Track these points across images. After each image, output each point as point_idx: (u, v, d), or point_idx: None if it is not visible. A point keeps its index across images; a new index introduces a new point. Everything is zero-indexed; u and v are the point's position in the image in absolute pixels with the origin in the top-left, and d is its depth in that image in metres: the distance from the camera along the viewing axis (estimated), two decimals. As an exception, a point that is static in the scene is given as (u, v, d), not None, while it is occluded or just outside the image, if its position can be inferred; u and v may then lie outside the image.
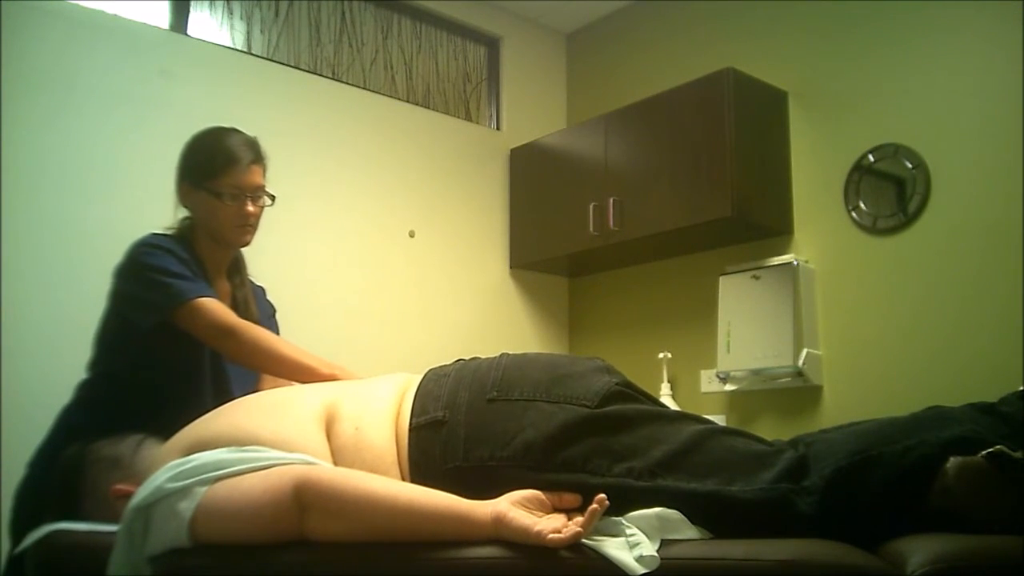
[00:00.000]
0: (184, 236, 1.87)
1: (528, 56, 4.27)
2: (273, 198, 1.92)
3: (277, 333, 2.04)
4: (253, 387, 1.89)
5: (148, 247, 1.78)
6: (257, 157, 1.89)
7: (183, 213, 1.90)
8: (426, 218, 3.73)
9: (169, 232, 1.87)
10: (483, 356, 1.39)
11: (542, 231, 3.87)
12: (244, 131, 1.93)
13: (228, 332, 1.70)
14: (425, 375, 1.36)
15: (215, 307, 1.72)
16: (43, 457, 1.77)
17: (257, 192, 1.87)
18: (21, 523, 1.61)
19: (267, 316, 2.04)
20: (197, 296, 1.71)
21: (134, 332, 1.76)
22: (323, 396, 1.33)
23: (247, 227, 1.87)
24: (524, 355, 1.35)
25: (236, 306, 1.90)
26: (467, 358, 1.39)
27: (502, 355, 1.35)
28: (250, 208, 1.85)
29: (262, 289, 2.08)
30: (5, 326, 2.58)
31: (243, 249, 1.98)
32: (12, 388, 2.50)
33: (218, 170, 1.82)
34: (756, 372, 3.19)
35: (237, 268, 1.96)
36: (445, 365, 1.38)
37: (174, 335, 1.73)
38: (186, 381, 1.80)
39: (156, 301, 1.72)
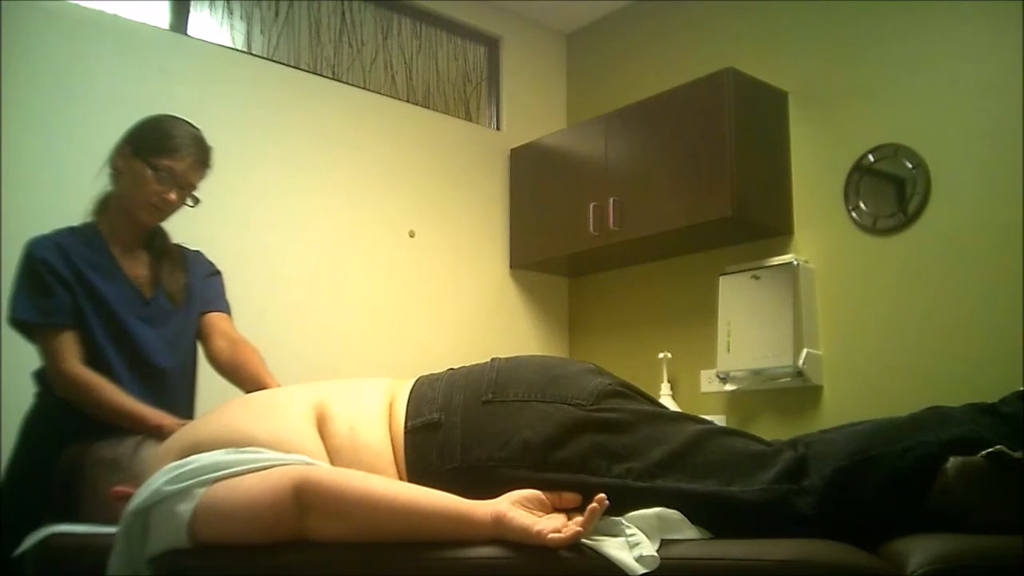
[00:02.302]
0: (94, 214, 1.93)
1: (528, 56, 4.27)
2: (197, 201, 1.94)
3: (221, 293, 2.10)
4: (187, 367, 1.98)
5: (23, 255, 1.84)
6: (203, 159, 1.93)
7: (101, 185, 1.95)
8: (426, 218, 3.73)
9: (78, 224, 1.92)
10: (482, 357, 1.39)
11: (542, 231, 3.87)
12: (202, 131, 1.97)
13: (56, 375, 1.76)
14: (416, 380, 1.36)
15: (57, 346, 1.76)
16: (14, 466, 1.83)
17: (187, 187, 1.91)
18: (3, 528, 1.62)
19: (203, 277, 2.06)
20: (40, 323, 1.78)
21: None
22: (310, 396, 1.33)
23: (160, 211, 1.91)
24: (517, 358, 1.35)
25: (158, 276, 1.94)
26: (457, 367, 1.39)
27: (493, 359, 1.35)
28: (172, 196, 1.88)
29: (197, 252, 2.10)
30: (5, 325, 2.58)
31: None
32: (12, 387, 2.49)
33: (163, 150, 1.86)
34: (756, 372, 3.19)
35: (158, 238, 1.99)
36: (435, 373, 1.38)
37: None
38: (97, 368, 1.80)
39: (9, 310, 1.81)
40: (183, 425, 1.54)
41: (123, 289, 1.88)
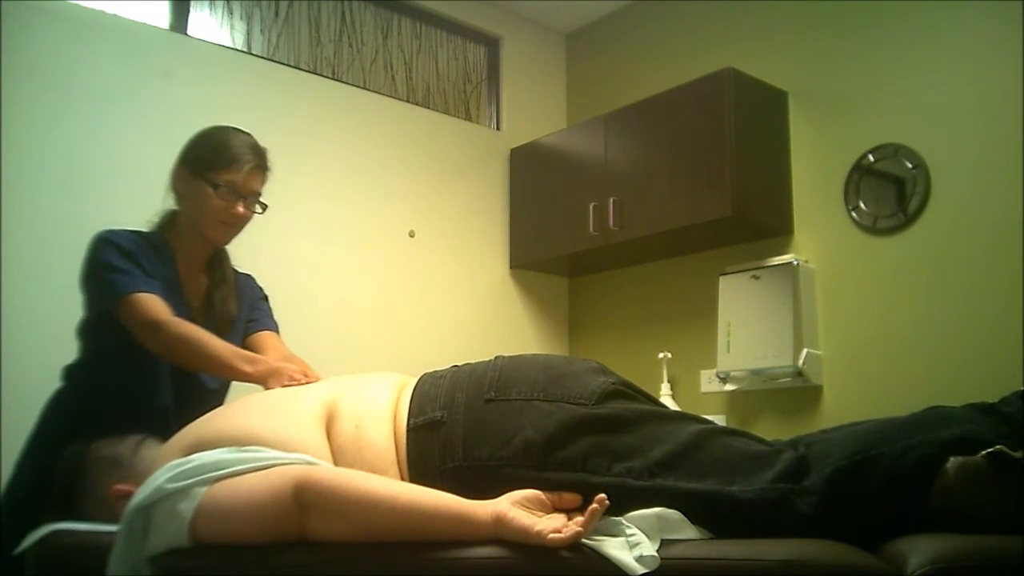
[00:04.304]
0: (162, 228, 1.88)
1: (528, 56, 4.27)
2: (265, 207, 1.91)
3: (270, 314, 2.06)
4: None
5: (98, 242, 1.80)
6: (261, 164, 1.89)
7: (168, 203, 1.90)
8: (426, 218, 3.73)
9: (138, 229, 1.87)
10: (481, 357, 1.39)
11: (542, 231, 3.87)
12: (253, 136, 1.93)
13: (153, 327, 1.68)
14: (421, 378, 1.36)
15: (146, 302, 1.70)
16: (30, 455, 1.80)
17: (251, 196, 1.88)
18: (10, 524, 1.61)
19: (254, 300, 2.04)
20: (132, 291, 1.71)
21: (92, 325, 1.81)
22: (321, 395, 1.33)
23: (230, 226, 1.87)
24: (520, 356, 1.35)
25: (211, 303, 1.90)
26: (461, 364, 1.39)
27: (497, 357, 1.35)
28: (239, 209, 1.85)
29: (247, 276, 2.07)
30: (6, 325, 2.58)
31: (238, 246, 1.98)
32: (13, 388, 2.50)
33: (220, 164, 1.82)
34: (756, 372, 3.19)
35: (219, 263, 1.95)
36: (440, 369, 1.38)
37: (121, 330, 1.73)
38: (142, 375, 1.78)
39: (95, 295, 1.77)
40: (282, 371, 1.58)
41: (181, 308, 1.83)
